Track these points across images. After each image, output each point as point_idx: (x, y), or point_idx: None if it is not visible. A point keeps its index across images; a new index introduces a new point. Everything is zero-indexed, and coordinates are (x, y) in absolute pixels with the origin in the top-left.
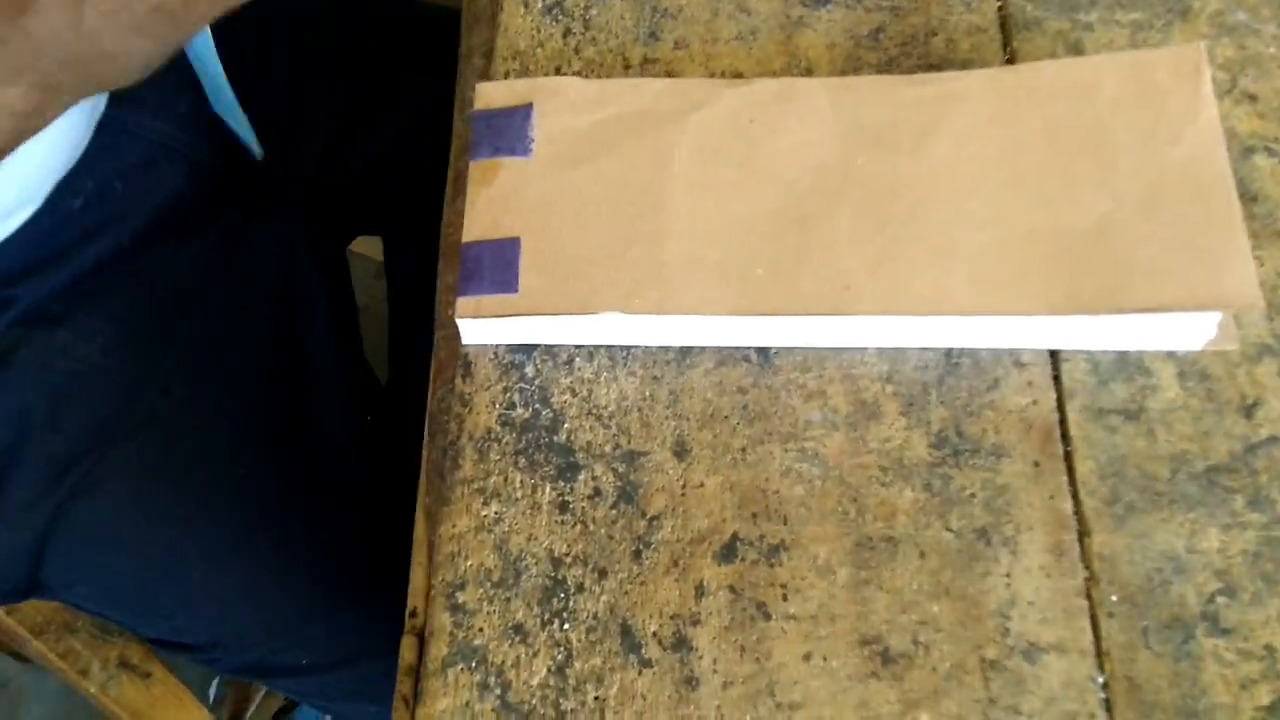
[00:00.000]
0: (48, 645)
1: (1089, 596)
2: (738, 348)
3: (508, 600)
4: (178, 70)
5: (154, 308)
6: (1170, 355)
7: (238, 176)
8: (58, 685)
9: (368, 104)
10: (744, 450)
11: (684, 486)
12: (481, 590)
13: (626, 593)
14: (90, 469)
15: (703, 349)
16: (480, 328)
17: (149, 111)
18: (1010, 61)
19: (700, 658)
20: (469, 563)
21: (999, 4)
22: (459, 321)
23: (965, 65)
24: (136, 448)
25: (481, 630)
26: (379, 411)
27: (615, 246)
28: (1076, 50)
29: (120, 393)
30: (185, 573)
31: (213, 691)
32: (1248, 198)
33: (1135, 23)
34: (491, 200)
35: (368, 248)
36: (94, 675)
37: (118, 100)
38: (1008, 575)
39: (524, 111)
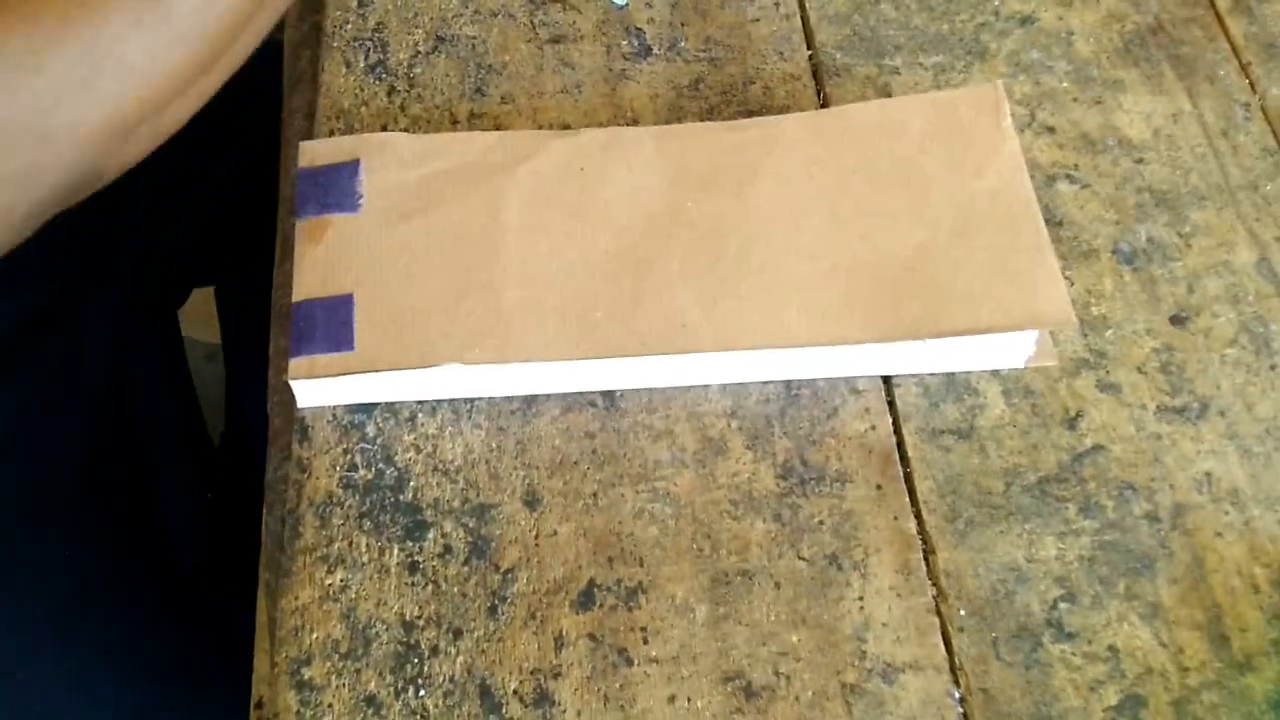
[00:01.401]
0: None
1: (939, 613)
2: (583, 393)
3: (358, 672)
4: None
5: None
6: (995, 374)
7: (55, 249)
8: None
9: (191, 157)
10: (595, 495)
11: (537, 536)
12: (329, 664)
13: (484, 651)
14: None
15: (548, 396)
16: (316, 389)
17: None
18: (824, 106)
19: (563, 712)
20: (314, 635)
21: (810, 53)
22: (293, 384)
23: (782, 111)
24: None
25: (331, 706)
26: (218, 488)
27: (451, 298)
28: (885, 93)
29: None
30: (7, 675)
31: None
32: (1054, 222)
33: (938, 65)
34: (321, 258)
35: (198, 330)
36: None
37: None
38: (860, 599)
39: (351, 168)
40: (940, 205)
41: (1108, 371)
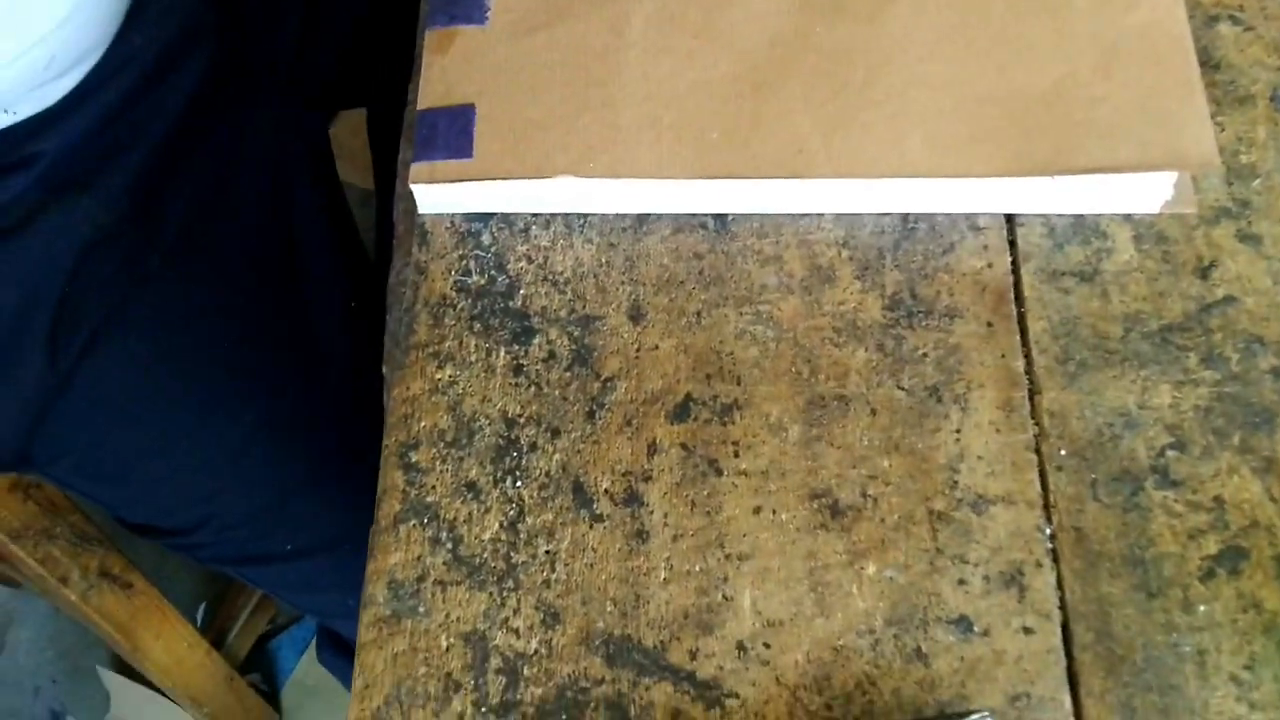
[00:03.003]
0: (26, 551)
1: (1038, 451)
2: (694, 214)
3: (460, 459)
4: None
5: (150, 170)
6: (1127, 218)
7: (211, 53)
8: (45, 609)
9: None
10: (699, 314)
11: (638, 349)
12: (434, 450)
13: (579, 451)
14: (94, 339)
15: (659, 216)
16: (435, 194)
17: None
18: None
19: (651, 512)
20: (422, 424)
21: None
22: (413, 187)
23: None
24: (138, 317)
25: (434, 488)
26: (368, 290)
27: (570, 112)
28: None
29: (126, 261)
30: (175, 445)
31: (200, 615)
32: (1210, 65)
33: None
34: (446, 68)
35: (354, 175)
36: (74, 583)
37: None
38: (958, 431)
39: None
40: (1085, 38)
41: (1249, 222)
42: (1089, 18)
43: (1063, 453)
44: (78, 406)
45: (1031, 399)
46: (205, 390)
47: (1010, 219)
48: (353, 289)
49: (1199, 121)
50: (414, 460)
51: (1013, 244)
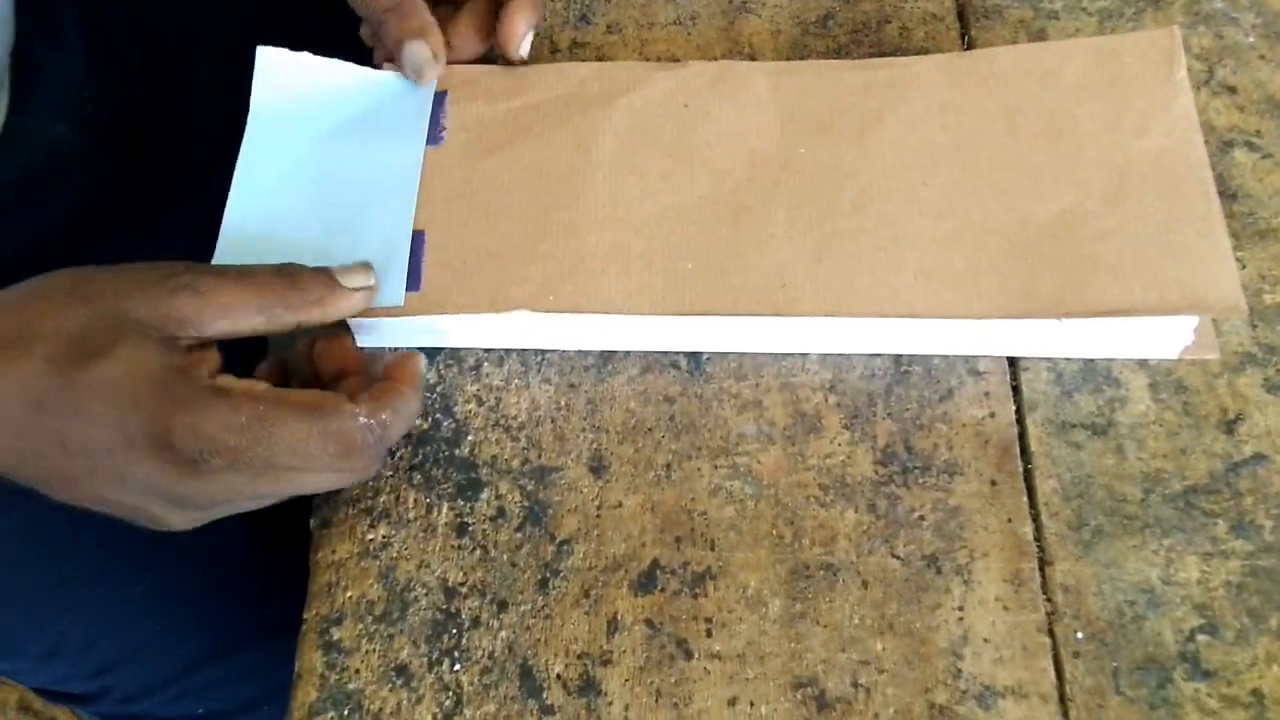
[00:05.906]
0: None
1: (1051, 633)
2: (665, 352)
3: (391, 637)
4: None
5: None
6: (1142, 364)
7: (130, 192)
8: None
9: None
10: (668, 467)
11: (599, 507)
12: (361, 626)
13: (529, 628)
14: None
15: (627, 354)
16: (375, 329)
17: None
18: (967, 50)
19: (610, 703)
20: (348, 594)
21: None
22: (350, 323)
23: (919, 54)
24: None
25: (358, 672)
26: None
27: (528, 239)
28: (1039, 39)
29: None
30: (55, 623)
31: None
32: (1227, 195)
33: (1104, 10)
34: None
35: None
36: None
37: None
38: (960, 608)
39: (436, 99)
40: (1093, 165)
41: (1278, 370)
42: (1096, 142)
43: (1079, 635)
44: None
45: (1042, 571)
46: (101, 547)
47: (1014, 362)
48: None
49: (1221, 259)
50: (336, 638)
51: (1016, 390)
